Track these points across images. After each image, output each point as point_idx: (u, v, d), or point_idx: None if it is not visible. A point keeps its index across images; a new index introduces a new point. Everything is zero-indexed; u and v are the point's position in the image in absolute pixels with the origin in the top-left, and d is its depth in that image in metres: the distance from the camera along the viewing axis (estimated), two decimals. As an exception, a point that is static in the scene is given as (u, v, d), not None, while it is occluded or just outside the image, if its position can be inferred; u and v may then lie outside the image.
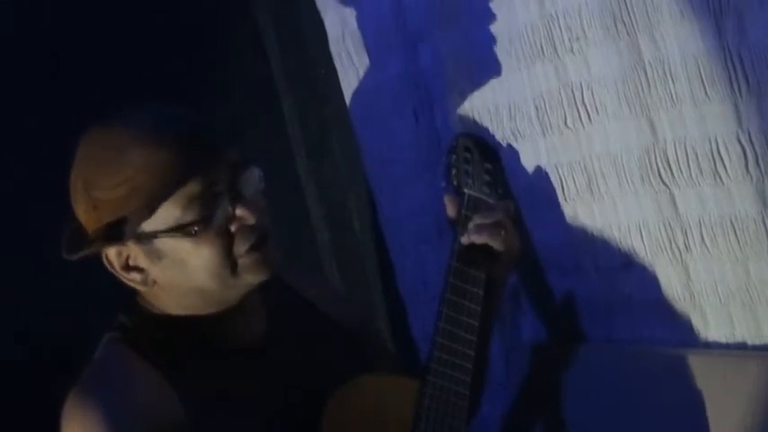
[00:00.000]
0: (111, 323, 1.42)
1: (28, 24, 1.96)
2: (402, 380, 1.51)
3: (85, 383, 1.34)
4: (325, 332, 1.54)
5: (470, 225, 1.57)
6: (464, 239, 1.56)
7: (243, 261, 1.35)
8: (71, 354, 1.42)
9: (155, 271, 1.36)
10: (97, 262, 1.38)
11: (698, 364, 1.56)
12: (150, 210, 1.31)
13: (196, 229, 1.32)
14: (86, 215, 1.35)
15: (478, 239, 1.55)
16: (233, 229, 1.34)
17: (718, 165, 1.46)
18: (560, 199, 1.71)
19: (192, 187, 1.31)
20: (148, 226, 1.32)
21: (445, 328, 1.51)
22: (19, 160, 1.93)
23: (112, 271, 1.37)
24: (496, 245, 1.56)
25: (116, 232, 1.33)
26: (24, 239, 1.91)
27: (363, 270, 2.26)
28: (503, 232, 1.56)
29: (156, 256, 1.34)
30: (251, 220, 1.34)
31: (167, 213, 1.32)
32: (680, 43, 1.44)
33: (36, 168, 1.92)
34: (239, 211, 1.34)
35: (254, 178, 1.37)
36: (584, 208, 1.68)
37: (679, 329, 1.61)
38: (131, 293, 1.42)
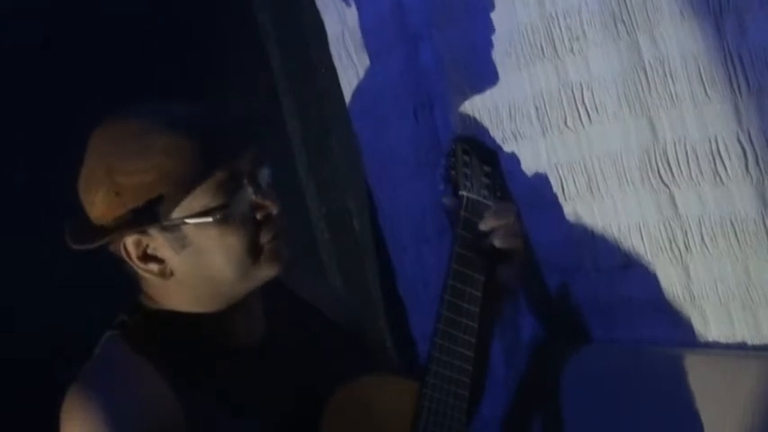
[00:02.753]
0: (111, 321, 1.42)
1: (30, 15, 1.96)
2: (401, 380, 1.51)
3: (84, 381, 1.34)
4: (325, 333, 1.54)
5: (492, 229, 1.57)
6: (497, 243, 1.56)
7: (266, 250, 1.37)
8: (71, 352, 1.42)
9: (175, 261, 1.36)
10: (99, 259, 1.38)
11: (698, 364, 1.56)
12: (182, 194, 1.32)
13: (223, 214, 1.33)
14: (106, 203, 1.34)
15: (503, 244, 1.56)
16: (258, 217, 1.36)
17: (718, 165, 1.46)
18: (560, 199, 1.71)
19: (220, 175, 1.33)
20: (177, 212, 1.33)
21: (444, 330, 1.51)
22: (20, 160, 1.93)
23: (128, 261, 1.37)
24: (506, 245, 1.56)
25: (142, 218, 1.33)
26: (24, 238, 1.91)
27: (363, 270, 2.26)
28: (513, 233, 1.57)
29: (181, 244, 1.34)
30: (275, 209, 1.36)
31: (195, 200, 1.33)
32: (680, 43, 1.44)
33: (37, 168, 1.92)
34: (265, 201, 1.36)
35: (267, 175, 1.40)
36: (584, 208, 1.68)
37: (679, 329, 1.61)
38: (133, 291, 1.42)
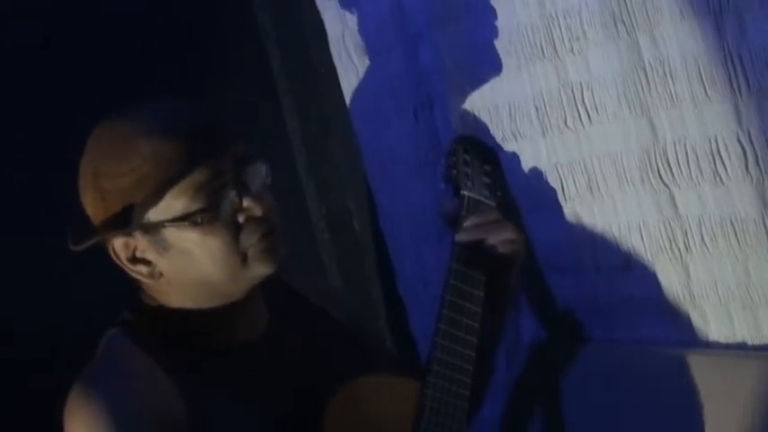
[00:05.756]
0: (112, 321, 1.42)
1: (30, 15, 1.96)
2: (403, 380, 1.51)
3: (88, 379, 1.34)
4: (327, 332, 1.54)
5: (464, 224, 1.56)
6: (458, 237, 1.55)
7: (252, 251, 1.35)
8: (71, 352, 1.42)
9: (162, 263, 1.36)
10: (99, 259, 1.38)
11: (698, 364, 1.56)
12: (157, 198, 1.31)
13: (202, 218, 1.32)
14: (94, 205, 1.35)
15: (468, 238, 1.54)
16: (240, 220, 1.35)
17: (718, 165, 1.46)
18: (560, 199, 1.71)
19: (198, 177, 1.32)
20: (155, 215, 1.33)
21: (445, 330, 1.50)
22: (20, 160, 1.93)
23: (119, 263, 1.37)
24: (492, 242, 1.55)
25: (123, 222, 1.33)
26: (25, 239, 1.91)
27: (363, 270, 2.26)
28: (497, 231, 1.55)
29: (163, 246, 1.34)
30: (258, 211, 1.34)
31: (174, 203, 1.32)
32: (680, 43, 1.44)
33: (37, 168, 1.92)
34: (246, 203, 1.34)
35: (260, 173, 1.38)
36: (584, 208, 1.68)
37: (679, 329, 1.61)
38: (135, 290, 1.42)
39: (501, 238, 1.54)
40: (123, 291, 1.43)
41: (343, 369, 1.46)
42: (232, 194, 1.34)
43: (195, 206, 1.32)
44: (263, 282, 1.41)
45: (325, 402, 1.39)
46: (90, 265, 1.47)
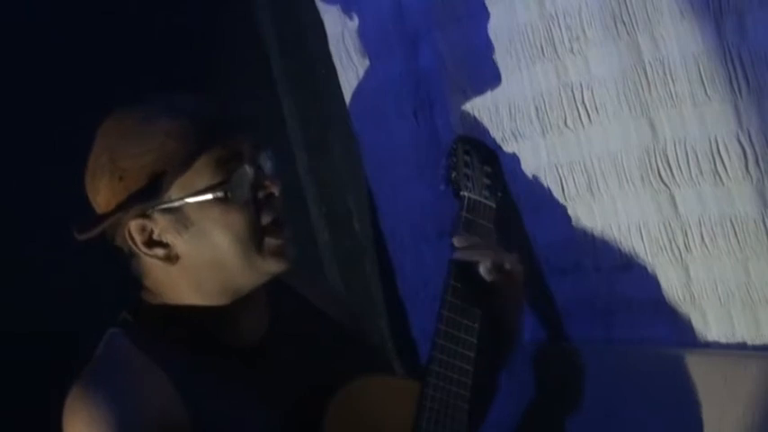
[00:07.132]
0: (113, 321, 1.42)
1: (31, 15, 1.96)
2: (403, 381, 1.52)
3: (87, 379, 1.35)
4: (327, 333, 1.55)
5: (460, 245, 1.56)
6: (454, 255, 1.54)
7: (269, 241, 1.38)
8: (71, 351, 1.42)
9: (179, 244, 1.37)
10: (101, 259, 1.38)
11: (698, 364, 1.56)
12: (183, 168, 1.34)
13: (223, 191, 1.34)
14: (110, 188, 1.36)
15: (464, 257, 1.54)
16: (260, 195, 1.38)
17: (718, 165, 1.46)
18: (560, 199, 1.71)
19: (220, 152, 1.35)
20: (177, 192, 1.34)
21: (445, 330, 1.51)
22: (20, 160, 1.93)
23: (134, 248, 1.37)
24: (486, 269, 1.53)
25: (143, 197, 1.34)
26: (25, 239, 1.91)
27: (363, 270, 2.26)
28: (490, 257, 1.54)
29: (184, 225, 1.35)
30: (275, 189, 1.38)
31: (196, 178, 1.34)
32: (680, 43, 1.44)
33: (37, 168, 1.92)
34: (265, 180, 1.38)
35: (270, 161, 1.41)
36: (584, 208, 1.68)
37: (679, 329, 1.61)
38: (136, 289, 1.42)
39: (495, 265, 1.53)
40: (124, 290, 1.43)
41: (343, 370, 1.46)
42: (251, 171, 1.37)
43: (217, 179, 1.35)
44: (265, 282, 1.42)
45: (326, 403, 1.39)
46: (90, 264, 1.47)
